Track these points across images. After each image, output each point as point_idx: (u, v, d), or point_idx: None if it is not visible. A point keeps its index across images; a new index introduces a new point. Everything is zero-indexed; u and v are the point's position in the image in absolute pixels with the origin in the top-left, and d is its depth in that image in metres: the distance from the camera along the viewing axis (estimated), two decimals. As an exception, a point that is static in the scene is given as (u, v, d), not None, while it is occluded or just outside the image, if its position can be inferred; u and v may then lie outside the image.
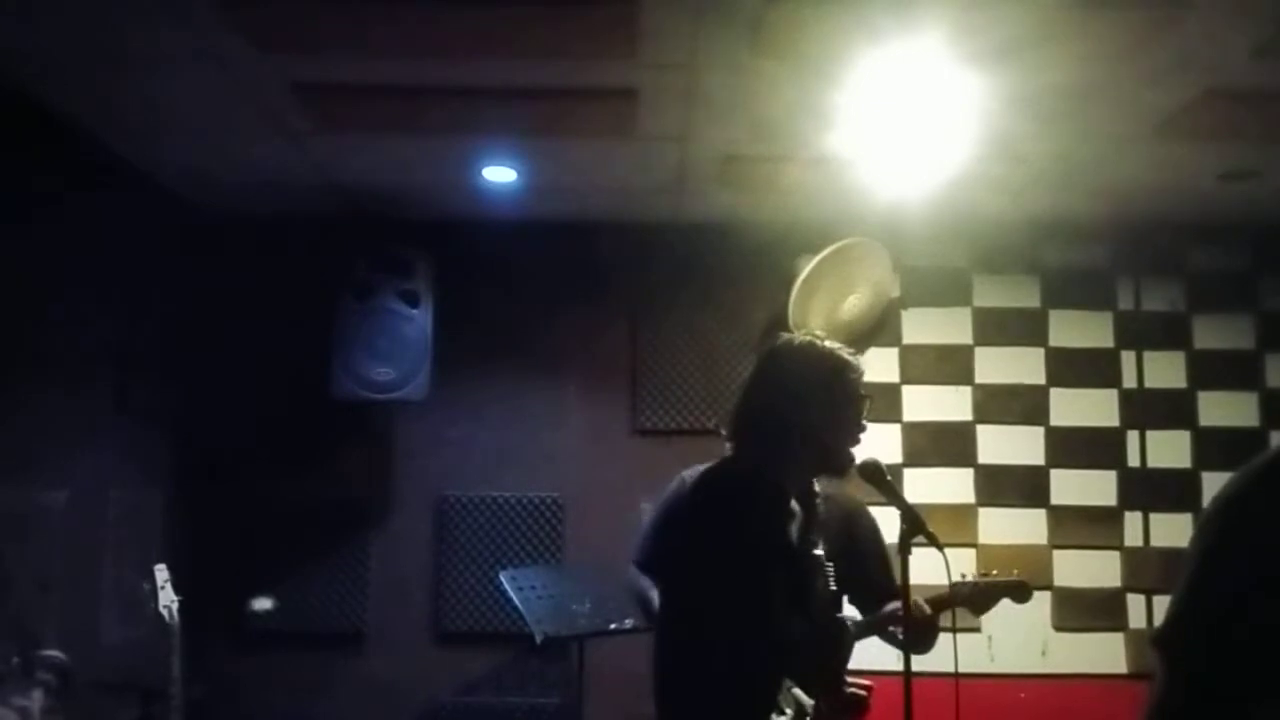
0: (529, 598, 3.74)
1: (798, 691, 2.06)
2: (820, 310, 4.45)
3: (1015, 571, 2.64)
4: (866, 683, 2.12)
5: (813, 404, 2.08)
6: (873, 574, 2.57)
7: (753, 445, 2.14)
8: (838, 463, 2.13)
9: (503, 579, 3.81)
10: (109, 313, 3.86)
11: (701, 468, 2.21)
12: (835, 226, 4.41)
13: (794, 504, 2.17)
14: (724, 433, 2.20)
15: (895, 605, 2.32)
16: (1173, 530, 4.50)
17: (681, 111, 3.47)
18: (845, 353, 2.15)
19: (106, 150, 3.82)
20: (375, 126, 3.67)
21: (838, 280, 4.43)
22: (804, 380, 2.10)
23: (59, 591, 3.50)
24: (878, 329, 4.63)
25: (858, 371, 2.15)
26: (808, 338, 2.19)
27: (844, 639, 2.24)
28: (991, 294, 4.73)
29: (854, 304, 4.49)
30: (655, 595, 2.45)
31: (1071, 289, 4.72)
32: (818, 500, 2.21)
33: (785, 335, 2.24)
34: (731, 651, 1.95)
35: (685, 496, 2.19)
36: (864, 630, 2.51)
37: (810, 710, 2.05)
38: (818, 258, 4.36)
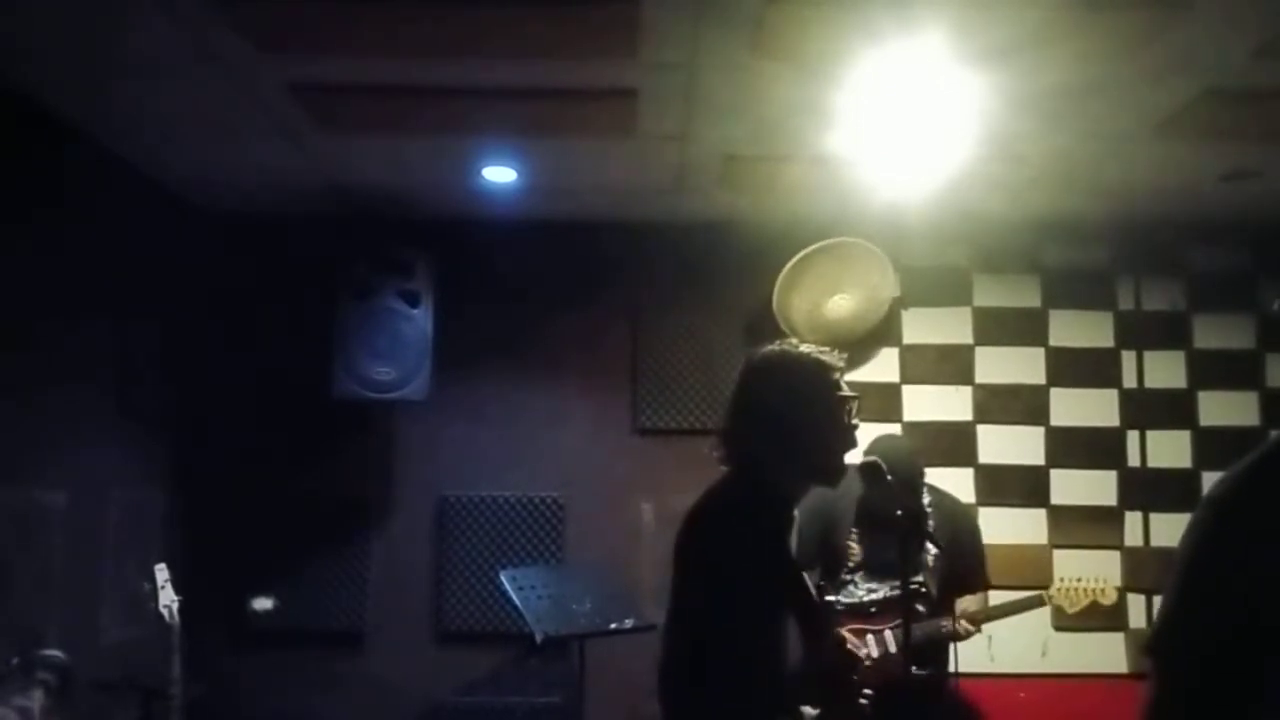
0: (529, 597, 3.74)
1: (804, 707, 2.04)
2: (802, 305, 4.46)
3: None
4: (867, 691, 2.11)
5: (800, 414, 2.04)
6: (971, 569, 3.61)
7: (753, 461, 2.09)
8: (831, 469, 2.10)
9: (503, 579, 3.81)
10: (109, 313, 3.86)
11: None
12: (835, 226, 4.42)
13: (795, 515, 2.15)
14: (716, 453, 2.13)
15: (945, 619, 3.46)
16: (1173, 530, 4.49)
17: (681, 111, 3.47)
18: (821, 354, 2.11)
19: (106, 151, 3.81)
20: (374, 126, 3.67)
21: (824, 278, 4.44)
22: (788, 392, 2.06)
23: (59, 591, 3.50)
24: (875, 334, 4.62)
25: (838, 371, 2.11)
26: (782, 347, 2.14)
27: (840, 650, 2.22)
28: (992, 294, 4.73)
29: (839, 304, 4.49)
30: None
31: (1071, 289, 4.71)
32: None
33: (762, 350, 2.18)
34: (751, 662, 1.92)
35: (708, 515, 2.09)
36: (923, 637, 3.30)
37: None
38: (803, 251, 4.38)
